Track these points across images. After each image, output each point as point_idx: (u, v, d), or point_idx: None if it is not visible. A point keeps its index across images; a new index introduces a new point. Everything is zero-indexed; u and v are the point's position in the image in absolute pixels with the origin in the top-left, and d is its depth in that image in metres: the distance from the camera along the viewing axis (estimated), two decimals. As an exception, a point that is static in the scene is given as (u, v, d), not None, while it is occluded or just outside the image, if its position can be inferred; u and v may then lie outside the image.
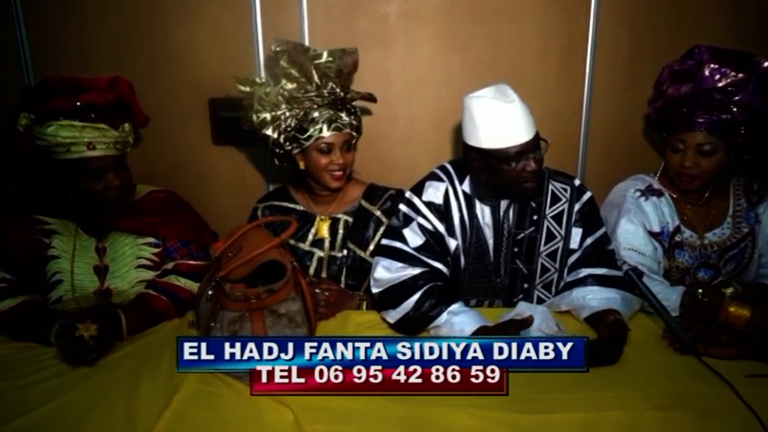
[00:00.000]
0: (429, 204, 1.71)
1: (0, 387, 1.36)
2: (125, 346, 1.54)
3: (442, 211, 1.70)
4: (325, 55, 1.76)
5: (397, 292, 1.61)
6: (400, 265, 1.66)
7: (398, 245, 1.69)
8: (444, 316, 1.55)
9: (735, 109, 1.68)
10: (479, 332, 1.49)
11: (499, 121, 1.56)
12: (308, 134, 1.76)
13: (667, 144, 1.80)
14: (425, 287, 1.59)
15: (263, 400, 1.26)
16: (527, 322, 1.46)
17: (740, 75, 1.68)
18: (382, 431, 1.21)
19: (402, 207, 1.75)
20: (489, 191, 1.69)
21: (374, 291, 1.67)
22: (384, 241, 1.74)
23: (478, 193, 1.71)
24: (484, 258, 1.72)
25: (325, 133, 1.75)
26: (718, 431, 1.20)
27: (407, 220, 1.72)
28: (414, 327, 1.59)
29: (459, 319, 1.53)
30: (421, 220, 1.70)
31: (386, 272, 1.66)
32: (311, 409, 1.24)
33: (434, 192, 1.72)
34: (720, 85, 1.69)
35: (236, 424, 1.23)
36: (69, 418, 1.24)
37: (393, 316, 1.60)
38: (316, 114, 1.75)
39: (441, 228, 1.70)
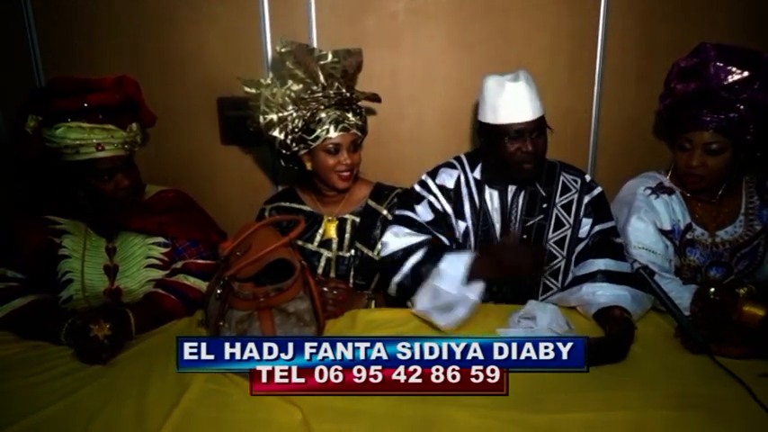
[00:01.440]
0: (441, 187, 1.79)
1: (9, 386, 1.37)
2: (134, 345, 1.54)
3: (452, 196, 1.78)
4: (329, 55, 1.76)
5: (402, 254, 1.69)
6: (408, 231, 1.73)
7: (409, 213, 1.77)
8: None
9: (742, 107, 1.66)
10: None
11: (501, 97, 1.64)
12: (315, 135, 1.75)
13: (676, 143, 1.79)
14: (430, 247, 1.69)
15: (271, 399, 1.26)
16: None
17: (747, 72, 1.66)
18: (391, 431, 1.21)
19: (416, 186, 1.83)
20: (495, 173, 1.76)
21: (382, 254, 1.76)
22: (396, 211, 1.83)
23: (487, 178, 1.77)
24: (491, 242, 1.75)
25: (333, 134, 1.75)
26: (730, 431, 1.19)
27: (419, 198, 1.80)
28: (417, 280, 1.64)
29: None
30: (432, 198, 1.78)
31: (394, 237, 1.74)
32: (319, 408, 1.23)
33: (447, 177, 1.80)
34: (727, 83, 1.67)
35: (245, 423, 1.23)
36: (78, 417, 1.24)
37: (400, 273, 1.68)
38: (323, 115, 1.75)
39: (449, 209, 1.77)
